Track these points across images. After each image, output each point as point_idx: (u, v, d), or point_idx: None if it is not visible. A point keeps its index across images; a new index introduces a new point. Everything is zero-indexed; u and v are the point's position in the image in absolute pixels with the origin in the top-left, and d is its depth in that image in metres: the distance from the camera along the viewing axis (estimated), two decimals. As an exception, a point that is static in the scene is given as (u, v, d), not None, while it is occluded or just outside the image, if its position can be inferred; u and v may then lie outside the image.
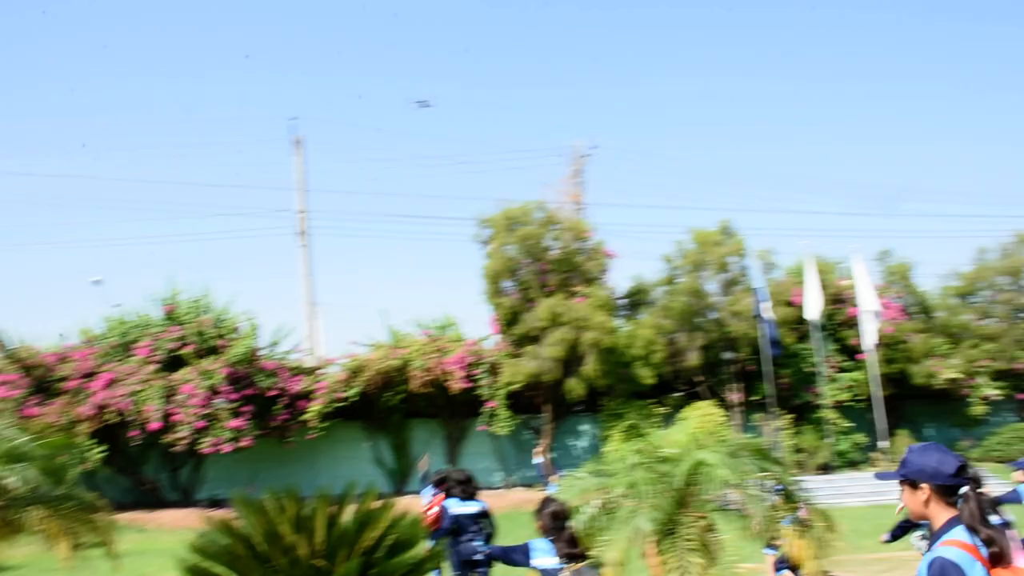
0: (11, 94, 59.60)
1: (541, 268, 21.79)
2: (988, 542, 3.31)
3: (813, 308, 21.55)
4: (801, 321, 23.96)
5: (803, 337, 24.27)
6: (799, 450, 22.96)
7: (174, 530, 19.66)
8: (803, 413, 23.88)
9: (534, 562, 6.09)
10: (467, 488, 8.42)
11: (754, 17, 65.69)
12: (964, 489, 3.41)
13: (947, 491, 3.42)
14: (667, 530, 6.02)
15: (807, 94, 65.88)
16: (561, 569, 5.86)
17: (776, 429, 23.05)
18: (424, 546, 5.48)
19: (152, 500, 22.07)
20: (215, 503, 22.35)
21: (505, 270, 21.45)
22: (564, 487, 6.73)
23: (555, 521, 6.01)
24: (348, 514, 5.87)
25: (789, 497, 6.64)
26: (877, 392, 22.69)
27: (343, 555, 5.45)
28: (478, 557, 7.96)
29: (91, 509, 8.05)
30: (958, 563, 3.25)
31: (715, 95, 66.53)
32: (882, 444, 22.68)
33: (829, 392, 23.69)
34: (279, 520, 5.79)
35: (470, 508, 8.27)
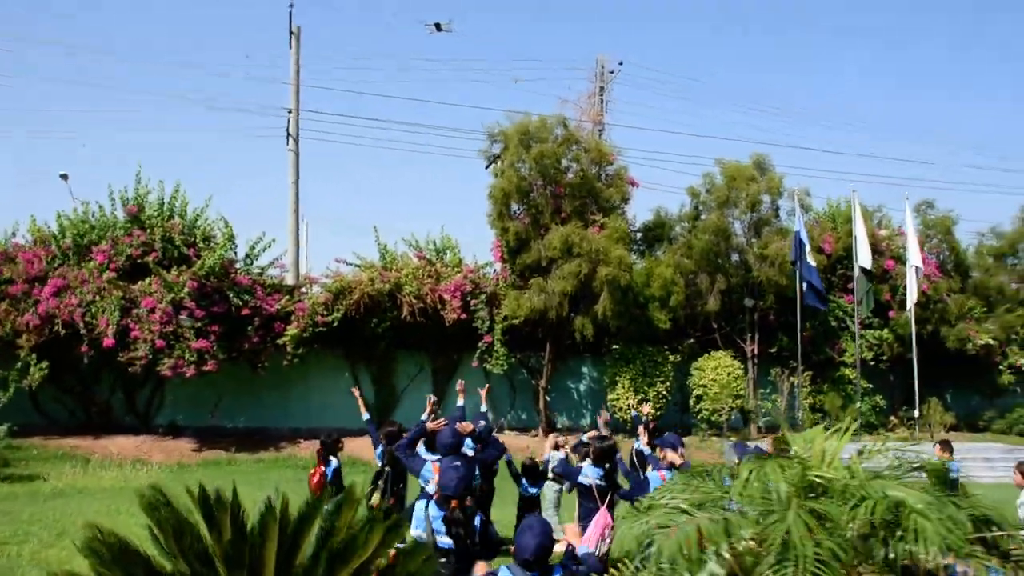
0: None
1: (556, 192, 19.44)
2: None
3: (863, 256, 19.36)
4: (829, 271, 22.02)
5: (828, 288, 22.31)
6: (818, 410, 21.16)
7: (123, 463, 17.47)
8: (823, 371, 22.02)
9: None
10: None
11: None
12: None
13: None
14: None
15: (857, 22, 61.66)
16: None
17: (794, 386, 21.22)
18: None
19: (104, 424, 19.75)
20: (173, 430, 20.20)
21: (516, 191, 19.05)
22: (626, 527, 4.08)
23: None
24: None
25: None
26: (909, 354, 20.84)
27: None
28: None
29: None
30: None
31: (758, 16, 62.01)
32: (912, 410, 20.90)
33: (852, 350, 21.86)
34: (202, 542, 3.32)
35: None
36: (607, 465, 8.03)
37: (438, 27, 24.29)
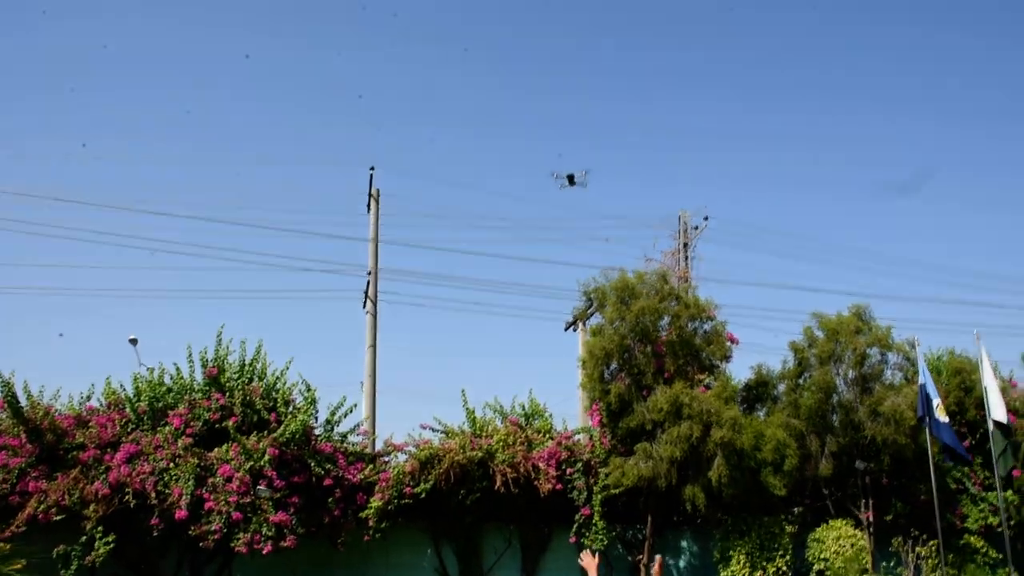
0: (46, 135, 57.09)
1: (656, 350, 18.41)
2: None
3: (997, 409, 17.81)
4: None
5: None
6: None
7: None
8: (944, 539, 20.11)
9: None
10: None
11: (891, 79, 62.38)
12: None
13: None
14: None
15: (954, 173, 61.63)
16: None
17: (919, 557, 19.34)
18: None
19: (166, 605, 18.07)
20: (240, 612, 18.47)
21: (616, 350, 18.03)
22: None
23: None
24: None
25: None
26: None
27: None
28: None
29: None
30: None
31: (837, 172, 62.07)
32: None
33: (975, 515, 20.07)
34: None
35: None
36: None
37: (571, 180, 23.59)
